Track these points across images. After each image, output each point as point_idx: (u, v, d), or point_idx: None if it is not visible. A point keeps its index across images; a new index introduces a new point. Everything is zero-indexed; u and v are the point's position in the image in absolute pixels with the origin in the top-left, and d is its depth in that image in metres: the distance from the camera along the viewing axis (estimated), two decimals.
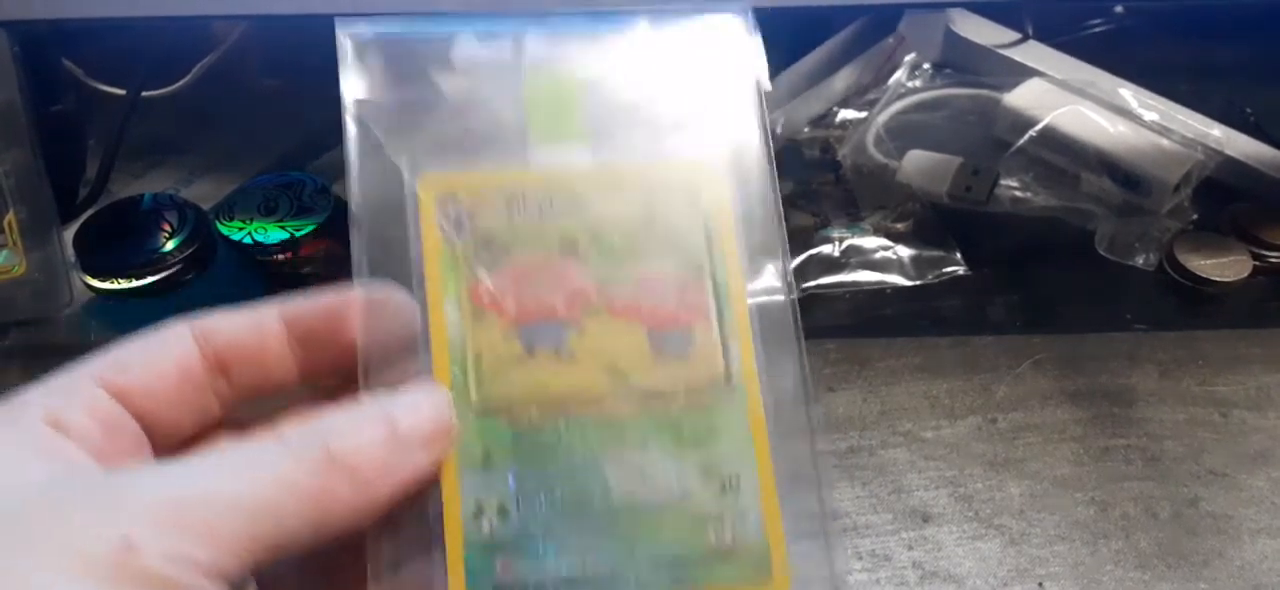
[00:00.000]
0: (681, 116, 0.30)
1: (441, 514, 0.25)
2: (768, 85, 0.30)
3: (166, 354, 0.26)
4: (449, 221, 0.28)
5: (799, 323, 0.28)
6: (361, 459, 0.23)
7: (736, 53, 0.31)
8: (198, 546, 0.21)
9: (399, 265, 0.27)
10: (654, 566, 0.26)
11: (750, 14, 0.31)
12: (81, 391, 0.24)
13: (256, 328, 0.27)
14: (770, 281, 0.29)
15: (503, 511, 0.26)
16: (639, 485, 0.26)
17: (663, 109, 0.30)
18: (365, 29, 0.29)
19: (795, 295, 0.29)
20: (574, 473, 0.26)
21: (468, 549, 0.25)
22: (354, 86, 0.28)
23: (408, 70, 0.29)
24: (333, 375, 0.28)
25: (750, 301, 0.28)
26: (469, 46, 0.29)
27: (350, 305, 0.27)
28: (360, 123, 0.28)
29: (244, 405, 0.28)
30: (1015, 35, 0.68)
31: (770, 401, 0.28)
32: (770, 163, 0.29)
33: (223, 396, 0.27)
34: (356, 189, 0.28)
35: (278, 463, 0.22)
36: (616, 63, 0.30)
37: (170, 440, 0.26)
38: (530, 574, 0.26)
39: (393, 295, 0.27)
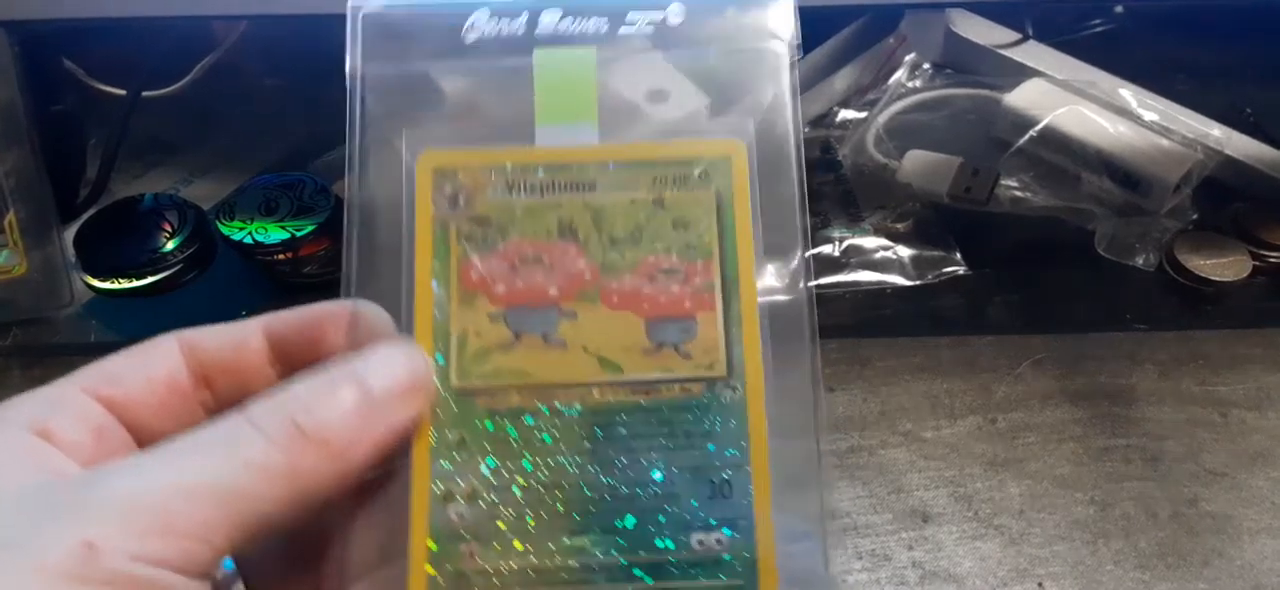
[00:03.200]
0: (705, 95, 0.28)
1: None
2: (799, 55, 0.29)
3: (154, 365, 0.26)
4: (445, 199, 0.27)
5: (814, 319, 0.27)
6: (333, 429, 0.23)
7: (770, 30, 0.29)
8: (166, 541, 0.20)
9: (392, 244, 0.27)
10: (632, 567, 0.25)
11: None
12: (71, 401, 0.24)
13: (238, 342, 0.27)
14: (785, 276, 0.27)
15: (473, 498, 0.25)
16: (622, 481, 0.25)
17: (684, 88, 0.28)
18: (375, 3, 0.28)
19: (812, 288, 0.27)
20: (553, 463, 0.25)
21: (433, 535, 0.25)
22: (358, 59, 0.28)
23: (415, 46, 0.28)
24: None
25: (762, 299, 0.27)
26: (480, 23, 0.28)
27: (331, 319, 0.27)
28: (361, 97, 0.27)
29: None
30: (1015, 35, 0.68)
31: (775, 402, 0.26)
32: (799, 146, 0.28)
33: (207, 407, 0.27)
34: (354, 165, 0.27)
35: (247, 445, 0.22)
36: (636, 41, 0.28)
37: None
38: (498, 563, 0.25)
39: (372, 311, 0.26)
